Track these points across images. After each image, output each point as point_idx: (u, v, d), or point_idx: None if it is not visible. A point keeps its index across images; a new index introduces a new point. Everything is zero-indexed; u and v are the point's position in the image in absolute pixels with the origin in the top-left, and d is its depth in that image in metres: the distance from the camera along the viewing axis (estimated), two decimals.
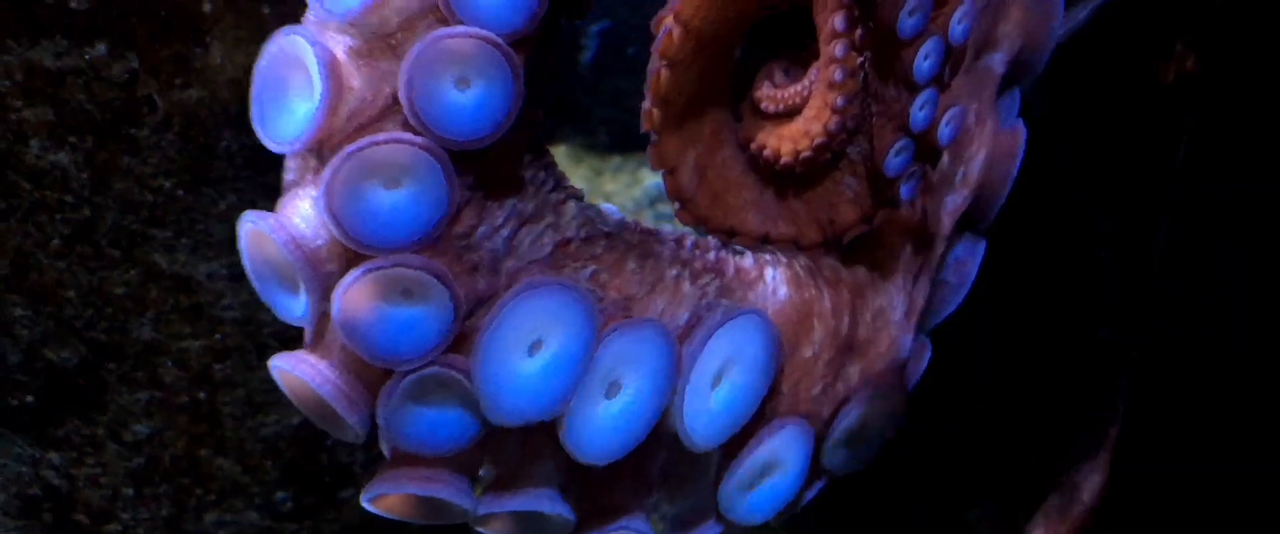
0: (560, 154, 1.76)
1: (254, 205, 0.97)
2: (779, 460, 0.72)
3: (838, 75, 0.69)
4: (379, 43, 0.60)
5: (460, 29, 0.58)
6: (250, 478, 1.02)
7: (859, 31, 0.68)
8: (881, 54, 0.69)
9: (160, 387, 0.97)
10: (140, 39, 0.93)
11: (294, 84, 0.60)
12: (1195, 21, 1.04)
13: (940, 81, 0.70)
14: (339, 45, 0.60)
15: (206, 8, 0.97)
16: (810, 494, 0.77)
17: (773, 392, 0.71)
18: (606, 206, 0.72)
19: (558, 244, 0.66)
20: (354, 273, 0.59)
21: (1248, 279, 1.01)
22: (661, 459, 0.69)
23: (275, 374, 0.62)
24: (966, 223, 0.84)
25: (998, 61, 0.81)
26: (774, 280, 0.74)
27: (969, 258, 0.87)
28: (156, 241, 0.95)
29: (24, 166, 0.92)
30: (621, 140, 1.87)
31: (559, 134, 1.83)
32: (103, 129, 0.93)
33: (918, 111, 0.69)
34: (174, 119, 0.95)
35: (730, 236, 0.76)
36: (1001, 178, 0.84)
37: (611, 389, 0.62)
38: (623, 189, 1.87)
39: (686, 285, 0.70)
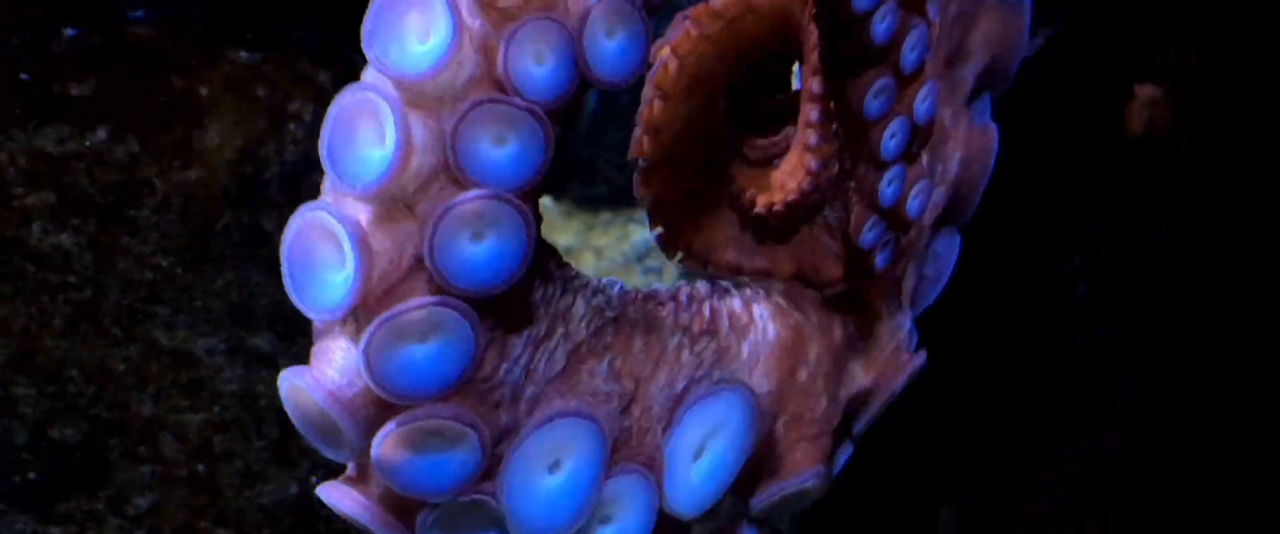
0: (552, 211, 1.79)
1: (250, 281, 1.01)
2: (800, 492, 0.75)
3: (812, 139, 0.72)
4: (397, 206, 0.64)
5: (472, 194, 0.62)
6: None
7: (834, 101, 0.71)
8: (850, 132, 0.73)
9: (160, 460, 0.99)
10: (140, 123, 0.96)
11: (324, 255, 0.64)
12: (1157, 51, 1.05)
13: (908, 156, 0.73)
14: (362, 214, 0.63)
15: (204, 92, 1.00)
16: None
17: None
18: (607, 281, 0.75)
19: (570, 354, 0.69)
20: (390, 425, 0.63)
21: (1248, 279, 1.01)
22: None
23: (324, 500, 0.66)
24: (945, 219, 0.87)
25: (970, 70, 0.84)
26: (762, 319, 0.76)
27: (947, 253, 0.89)
28: (157, 319, 0.98)
29: (27, 250, 0.95)
30: (611, 195, 1.90)
31: (563, 190, 1.86)
32: (104, 211, 0.96)
33: (886, 188, 0.72)
34: (173, 200, 0.98)
35: (705, 266, 0.79)
36: (978, 174, 0.86)
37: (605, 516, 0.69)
38: (613, 243, 1.90)
39: (686, 354, 0.73)
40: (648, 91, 0.73)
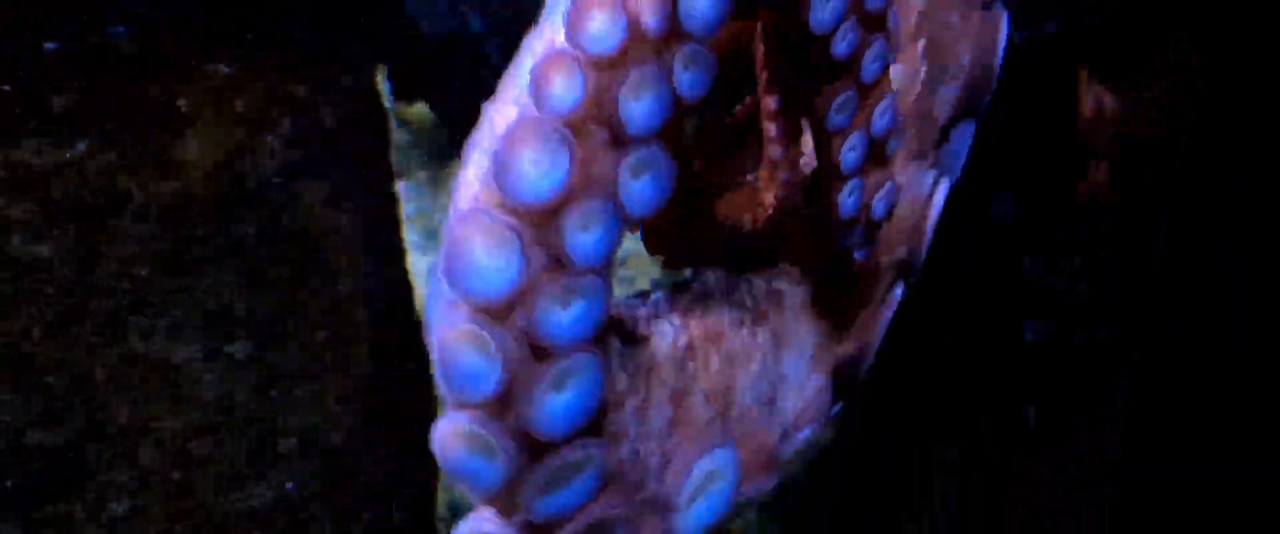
0: None
1: (227, 291, 1.02)
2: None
3: (776, 153, 0.75)
4: None
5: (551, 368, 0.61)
6: None
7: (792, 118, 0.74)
8: (817, 142, 0.75)
9: (139, 466, 1.00)
10: (119, 135, 0.98)
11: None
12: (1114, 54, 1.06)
13: (866, 170, 0.76)
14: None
15: (183, 104, 1.02)
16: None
17: None
18: (652, 300, 0.75)
19: (672, 400, 0.71)
20: None
21: (1248, 279, 1.02)
22: None
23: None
24: (963, 113, 0.89)
25: None
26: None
27: (960, 147, 0.91)
28: (135, 327, 0.99)
29: (8, 259, 0.96)
30: None
31: None
32: (83, 221, 0.97)
33: (846, 198, 0.75)
34: (152, 210, 0.99)
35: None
36: (990, 64, 0.88)
37: None
38: None
39: (752, 346, 0.77)
40: None
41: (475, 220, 0.57)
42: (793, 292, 0.80)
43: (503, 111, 0.59)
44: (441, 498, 1.32)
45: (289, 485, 0.97)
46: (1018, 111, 1.12)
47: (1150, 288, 1.08)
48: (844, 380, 0.83)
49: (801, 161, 0.77)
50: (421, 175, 1.69)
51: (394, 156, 1.45)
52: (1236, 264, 1.04)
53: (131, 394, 1.00)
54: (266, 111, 1.07)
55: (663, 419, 0.69)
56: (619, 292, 0.70)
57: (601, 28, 0.58)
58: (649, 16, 0.59)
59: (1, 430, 0.98)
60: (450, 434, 0.60)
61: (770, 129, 0.75)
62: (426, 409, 1.12)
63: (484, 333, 0.60)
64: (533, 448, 0.61)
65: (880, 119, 0.75)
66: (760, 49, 0.74)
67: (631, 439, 0.67)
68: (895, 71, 0.82)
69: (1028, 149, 1.14)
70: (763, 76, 0.74)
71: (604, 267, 0.61)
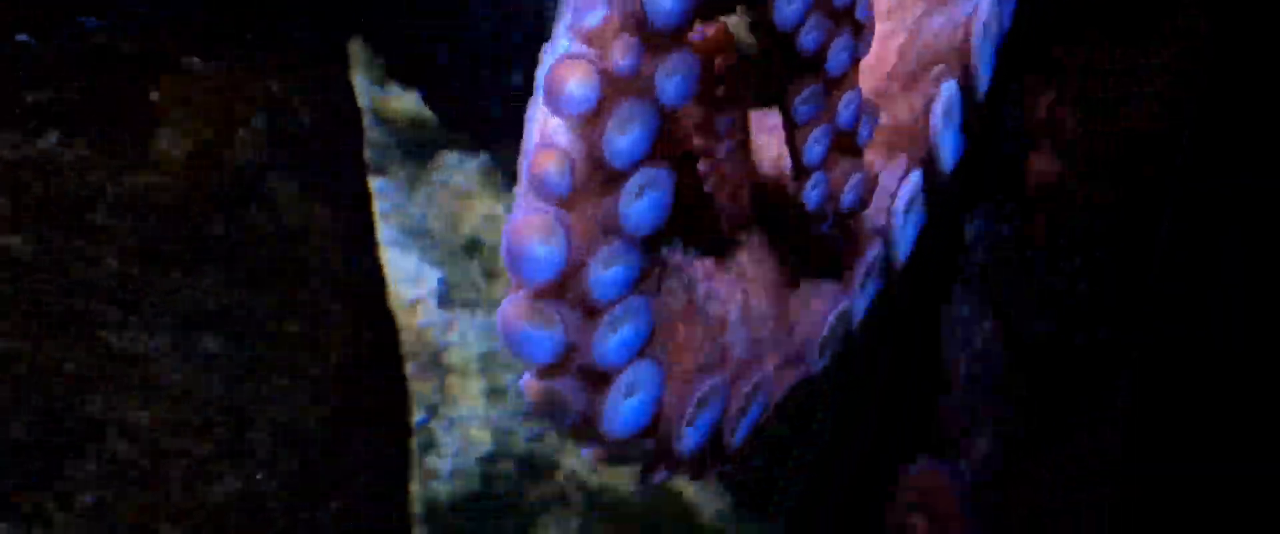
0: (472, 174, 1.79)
1: (199, 284, 1.02)
2: None
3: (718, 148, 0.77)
4: None
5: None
6: None
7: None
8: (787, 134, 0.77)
9: (110, 459, 1.00)
10: (93, 129, 0.98)
11: None
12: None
13: (829, 163, 0.77)
14: None
15: (154, 96, 1.02)
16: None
17: None
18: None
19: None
20: None
21: (1248, 278, 1.02)
22: None
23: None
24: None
25: None
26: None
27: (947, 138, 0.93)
28: (107, 320, 1.00)
29: None
30: None
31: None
32: (56, 214, 0.97)
33: (810, 190, 0.76)
34: (124, 203, 1.00)
35: None
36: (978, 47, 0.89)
37: None
38: None
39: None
40: None
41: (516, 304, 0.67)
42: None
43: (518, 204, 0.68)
44: (417, 492, 1.32)
45: (258, 476, 0.98)
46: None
47: (1150, 287, 1.08)
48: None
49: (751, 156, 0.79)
50: (399, 173, 1.69)
51: (371, 153, 1.46)
52: (1237, 262, 1.04)
53: (102, 387, 1.00)
54: (240, 107, 1.07)
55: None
56: None
57: (578, 90, 0.63)
58: (620, 58, 0.62)
59: None
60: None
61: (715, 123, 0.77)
62: (400, 403, 1.13)
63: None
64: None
65: (845, 111, 0.77)
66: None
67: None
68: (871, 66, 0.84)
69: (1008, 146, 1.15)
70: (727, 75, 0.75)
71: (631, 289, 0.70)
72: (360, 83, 1.45)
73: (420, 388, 1.17)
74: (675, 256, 0.76)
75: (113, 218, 0.99)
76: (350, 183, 1.16)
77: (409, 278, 1.28)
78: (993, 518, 1.17)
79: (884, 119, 0.89)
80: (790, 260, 0.83)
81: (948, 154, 0.88)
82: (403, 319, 1.15)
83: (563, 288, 0.66)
